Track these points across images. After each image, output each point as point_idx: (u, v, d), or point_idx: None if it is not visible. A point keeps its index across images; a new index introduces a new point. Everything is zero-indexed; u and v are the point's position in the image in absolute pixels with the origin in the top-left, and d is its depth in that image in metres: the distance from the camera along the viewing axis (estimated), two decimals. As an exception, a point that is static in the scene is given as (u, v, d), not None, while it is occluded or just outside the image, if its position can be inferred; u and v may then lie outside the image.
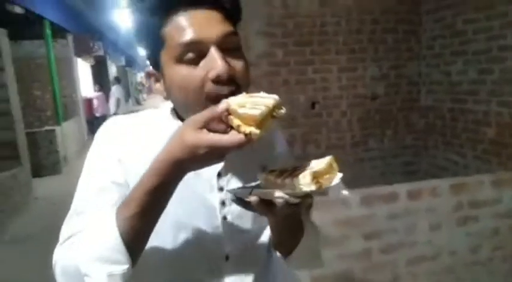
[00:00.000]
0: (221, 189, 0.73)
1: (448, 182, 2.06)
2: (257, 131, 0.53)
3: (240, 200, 0.63)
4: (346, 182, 0.60)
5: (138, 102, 21.33)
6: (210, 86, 0.62)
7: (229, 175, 0.74)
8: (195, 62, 0.62)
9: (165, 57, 0.65)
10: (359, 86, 3.72)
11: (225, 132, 0.55)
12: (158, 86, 0.71)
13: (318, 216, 1.86)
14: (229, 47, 0.64)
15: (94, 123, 9.07)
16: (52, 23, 7.28)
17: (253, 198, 0.58)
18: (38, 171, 5.96)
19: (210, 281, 0.72)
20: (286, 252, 0.73)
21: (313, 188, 0.54)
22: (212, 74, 0.61)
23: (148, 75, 0.73)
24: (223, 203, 0.73)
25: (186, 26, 0.62)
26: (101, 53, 10.60)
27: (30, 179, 5.22)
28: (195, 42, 0.62)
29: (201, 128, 0.54)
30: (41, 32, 7.23)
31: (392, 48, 3.74)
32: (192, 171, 0.60)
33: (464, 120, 3.41)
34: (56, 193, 4.98)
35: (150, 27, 0.65)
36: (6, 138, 4.75)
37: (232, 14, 0.66)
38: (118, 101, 8.85)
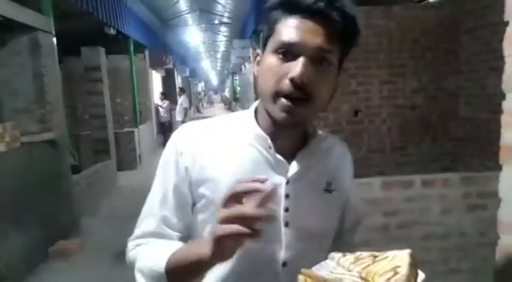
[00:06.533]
0: (287, 196, 0.77)
1: (459, 175, 2.48)
2: None
3: None
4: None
5: (198, 110, 22.28)
6: (285, 83, 0.69)
7: (295, 183, 0.78)
8: (285, 59, 0.70)
9: (270, 44, 0.73)
10: (399, 97, 4.11)
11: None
12: (258, 68, 0.77)
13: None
14: (318, 60, 0.69)
15: (160, 128, 10.20)
16: (133, 40, 8.24)
17: None
18: (119, 166, 6.84)
19: None
20: None
21: None
22: (290, 75, 0.68)
23: (256, 55, 0.79)
24: (286, 210, 0.76)
25: (292, 29, 0.69)
26: (170, 65, 11.53)
27: (115, 170, 6.19)
28: (291, 44, 0.69)
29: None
30: (124, 48, 8.34)
31: (431, 63, 4.07)
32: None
33: (498, 129, 3.68)
34: (133, 184, 5.87)
35: (270, 18, 0.74)
36: (102, 135, 5.80)
37: (339, 34, 0.71)
38: (186, 110, 9.81)
